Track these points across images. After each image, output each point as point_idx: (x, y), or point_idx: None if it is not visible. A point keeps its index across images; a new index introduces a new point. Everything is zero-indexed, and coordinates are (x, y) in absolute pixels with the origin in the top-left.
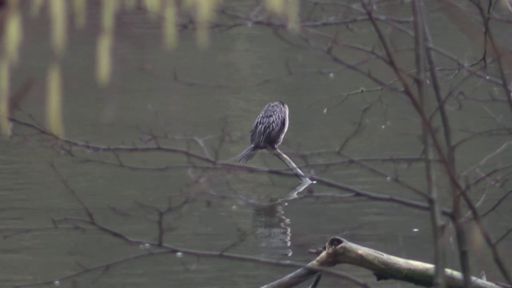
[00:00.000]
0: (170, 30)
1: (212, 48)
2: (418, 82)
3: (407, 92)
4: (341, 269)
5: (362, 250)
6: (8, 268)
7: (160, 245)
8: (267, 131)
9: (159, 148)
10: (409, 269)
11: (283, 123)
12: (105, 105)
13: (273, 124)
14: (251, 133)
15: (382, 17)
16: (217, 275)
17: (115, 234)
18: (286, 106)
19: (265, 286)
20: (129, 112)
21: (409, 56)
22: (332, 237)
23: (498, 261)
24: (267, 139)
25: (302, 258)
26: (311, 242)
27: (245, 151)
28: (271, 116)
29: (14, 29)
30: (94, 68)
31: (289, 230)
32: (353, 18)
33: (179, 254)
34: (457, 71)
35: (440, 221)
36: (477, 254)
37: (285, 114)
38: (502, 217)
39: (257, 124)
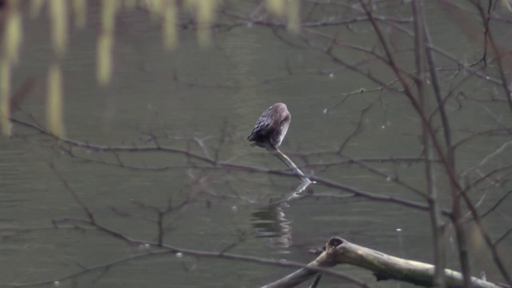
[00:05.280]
0: (170, 30)
1: (212, 48)
2: (418, 82)
3: (407, 92)
4: (341, 269)
5: (362, 250)
6: (8, 268)
7: (160, 245)
8: (257, 126)
9: (159, 148)
10: (409, 269)
11: (278, 124)
12: (105, 105)
13: (262, 124)
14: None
15: (382, 17)
16: (217, 275)
17: (115, 234)
18: (285, 111)
19: (265, 286)
20: (129, 112)
21: (409, 56)
22: (332, 237)
23: (498, 261)
24: (257, 134)
25: (302, 258)
26: (311, 242)
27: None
28: (264, 116)
29: (14, 29)
30: (94, 68)
31: (289, 230)
32: (353, 18)
33: (179, 254)
34: (457, 71)
35: (440, 221)
36: (477, 254)
37: (280, 117)
38: (502, 217)
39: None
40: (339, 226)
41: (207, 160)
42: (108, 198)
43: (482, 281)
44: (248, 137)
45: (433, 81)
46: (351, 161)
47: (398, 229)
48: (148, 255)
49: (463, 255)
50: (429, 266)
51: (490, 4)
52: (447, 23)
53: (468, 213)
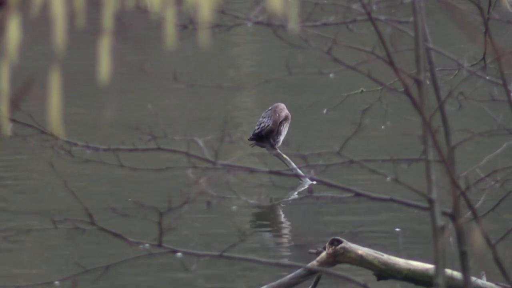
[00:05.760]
0: (170, 30)
1: (212, 48)
2: (418, 82)
3: (407, 92)
4: (341, 269)
5: (362, 250)
6: (8, 268)
7: (160, 245)
8: (258, 128)
9: (159, 149)
10: (409, 269)
11: (277, 125)
12: (105, 105)
13: (262, 125)
14: None
15: (382, 18)
16: (217, 275)
17: (115, 235)
18: (284, 111)
19: (265, 286)
20: (129, 112)
21: (409, 56)
22: (332, 237)
23: (498, 261)
24: (258, 135)
25: (302, 258)
26: (311, 242)
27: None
28: (265, 117)
29: (14, 29)
30: (94, 68)
31: (289, 230)
32: (353, 18)
33: (179, 254)
34: (457, 71)
35: (440, 221)
36: (477, 254)
37: (279, 117)
38: (502, 217)
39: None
40: (339, 226)
41: (207, 160)
42: (108, 198)
43: (482, 281)
44: (249, 138)
45: (433, 81)
46: (351, 161)
47: (397, 229)
48: (148, 255)
49: (463, 255)
50: (429, 266)
51: (490, 4)
52: (447, 23)
53: (468, 213)
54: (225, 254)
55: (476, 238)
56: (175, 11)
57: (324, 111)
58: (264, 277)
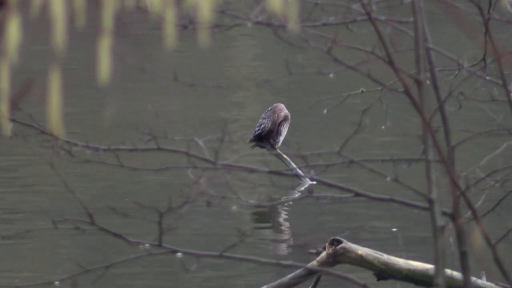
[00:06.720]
0: (170, 30)
1: (212, 48)
2: (418, 83)
3: (407, 92)
4: (341, 269)
5: (362, 250)
6: (8, 268)
7: (160, 245)
8: (258, 129)
9: (159, 149)
10: (409, 269)
11: (277, 126)
12: (105, 105)
13: (263, 126)
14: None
15: (382, 18)
16: (217, 275)
17: (115, 235)
18: (283, 111)
19: (265, 286)
20: (129, 112)
21: (409, 56)
22: (332, 237)
23: (498, 261)
24: (258, 136)
25: (302, 258)
26: (311, 243)
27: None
28: (264, 118)
29: (14, 29)
30: (94, 68)
31: (289, 230)
32: (353, 18)
33: (179, 254)
34: (457, 72)
35: (440, 221)
36: (477, 254)
37: (278, 118)
38: (502, 217)
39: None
40: (339, 226)
41: (207, 160)
42: (108, 198)
43: (482, 281)
44: (249, 140)
45: (433, 81)
46: (351, 161)
47: (394, 229)
48: (148, 255)
49: (463, 255)
50: (429, 266)
51: (490, 4)
52: (447, 23)
53: (468, 213)
54: (225, 254)
55: (476, 238)
56: (175, 11)
57: (324, 111)
58: (264, 277)
